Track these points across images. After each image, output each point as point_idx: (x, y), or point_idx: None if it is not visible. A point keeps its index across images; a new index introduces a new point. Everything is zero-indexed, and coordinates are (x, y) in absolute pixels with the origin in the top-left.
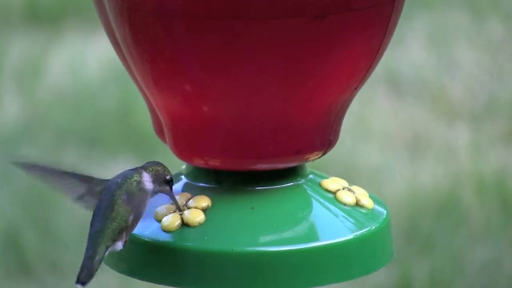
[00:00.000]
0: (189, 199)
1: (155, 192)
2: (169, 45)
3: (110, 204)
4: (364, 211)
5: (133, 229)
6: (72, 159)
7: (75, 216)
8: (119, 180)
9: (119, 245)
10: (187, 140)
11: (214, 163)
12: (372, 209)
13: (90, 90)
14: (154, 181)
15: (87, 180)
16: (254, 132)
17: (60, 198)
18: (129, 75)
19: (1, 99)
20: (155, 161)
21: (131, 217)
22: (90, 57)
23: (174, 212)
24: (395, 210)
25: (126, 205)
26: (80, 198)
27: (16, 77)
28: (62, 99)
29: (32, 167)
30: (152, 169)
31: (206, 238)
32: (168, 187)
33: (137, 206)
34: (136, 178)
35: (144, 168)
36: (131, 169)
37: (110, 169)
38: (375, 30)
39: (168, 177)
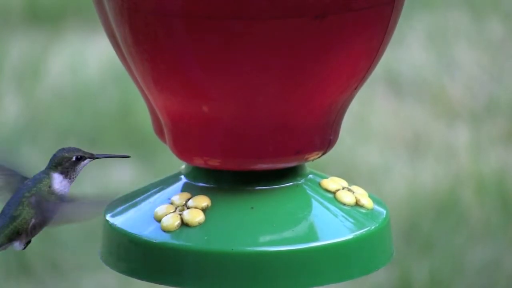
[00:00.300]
0: (189, 199)
1: (74, 177)
2: (169, 45)
3: (16, 205)
4: (363, 211)
5: (36, 233)
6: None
7: None
8: (30, 183)
9: (17, 245)
10: (187, 140)
11: (214, 163)
12: (372, 209)
13: (90, 90)
14: (67, 173)
15: (12, 174)
16: (254, 132)
17: None
18: (129, 75)
19: (1, 99)
20: (59, 150)
21: (32, 221)
22: (90, 57)
23: (174, 212)
24: (395, 210)
25: (31, 209)
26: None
27: (16, 77)
28: (62, 99)
29: None
30: (60, 164)
31: (206, 238)
32: (85, 161)
33: (43, 211)
34: (46, 181)
35: (52, 167)
36: (43, 171)
37: (110, 169)
38: (375, 30)
39: (74, 158)
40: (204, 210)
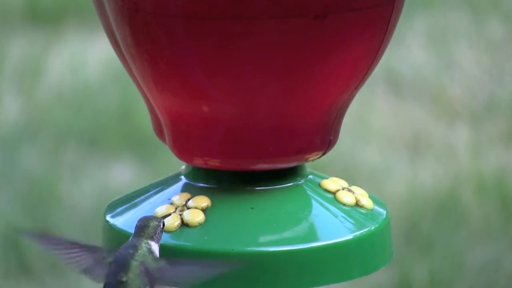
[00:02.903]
0: (189, 199)
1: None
2: (169, 45)
3: (125, 275)
4: (363, 211)
5: None
6: (72, 159)
7: (75, 216)
8: (131, 251)
9: None
10: (187, 140)
11: (214, 163)
12: (372, 209)
13: (90, 90)
14: (158, 240)
15: (93, 250)
16: (254, 132)
17: (60, 198)
18: (129, 75)
19: (1, 99)
20: (144, 218)
21: None
22: (90, 57)
23: (174, 212)
24: (395, 210)
25: (143, 277)
26: (88, 269)
27: (16, 77)
28: (62, 99)
29: (40, 238)
30: (150, 231)
31: (206, 238)
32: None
33: (154, 277)
34: (146, 248)
35: (143, 235)
36: (135, 238)
37: (110, 169)
38: (375, 30)
39: (162, 224)
40: (204, 210)
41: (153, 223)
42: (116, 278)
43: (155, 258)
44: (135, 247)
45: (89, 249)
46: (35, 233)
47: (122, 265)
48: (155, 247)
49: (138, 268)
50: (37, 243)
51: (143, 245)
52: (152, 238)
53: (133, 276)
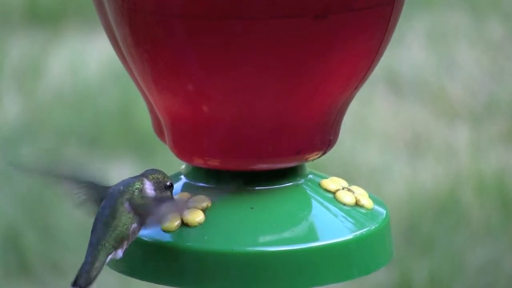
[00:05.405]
0: (189, 199)
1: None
2: (169, 46)
3: (112, 211)
4: (363, 211)
5: (135, 238)
6: (72, 159)
7: (75, 216)
8: (121, 187)
9: (119, 253)
10: (187, 140)
11: (214, 163)
12: (372, 209)
13: (90, 90)
14: (155, 189)
15: (90, 185)
16: (254, 132)
17: (60, 198)
18: (129, 75)
19: (1, 99)
20: (154, 169)
21: (133, 226)
22: (90, 57)
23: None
24: (395, 210)
25: (128, 213)
26: (82, 204)
27: (16, 77)
28: (62, 99)
29: (33, 171)
30: (153, 177)
31: (206, 238)
32: (169, 193)
33: (139, 214)
34: (138, 186)
35: (145, 176)
36: (133, 177)
37: (110, 169)
38: (375, 30)
39: (168, 183)
40: (204, 210)
41: (161, 174)
42: (104, 214)
43: (143, 196)
44: (127, 185)
45: (84, 183)
46: (28, 166)
47: (111, 202)
48: (149, 189)
49: (123, 205)
50: (31, 175)
51: (136, 183)
52: (150, 180)
53: (120, 214)
